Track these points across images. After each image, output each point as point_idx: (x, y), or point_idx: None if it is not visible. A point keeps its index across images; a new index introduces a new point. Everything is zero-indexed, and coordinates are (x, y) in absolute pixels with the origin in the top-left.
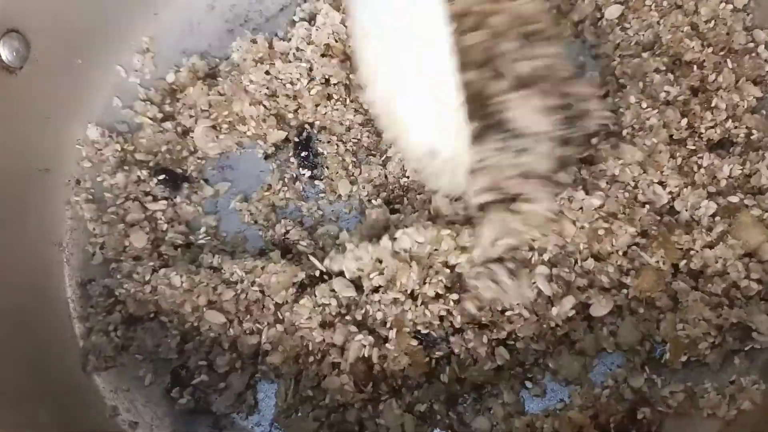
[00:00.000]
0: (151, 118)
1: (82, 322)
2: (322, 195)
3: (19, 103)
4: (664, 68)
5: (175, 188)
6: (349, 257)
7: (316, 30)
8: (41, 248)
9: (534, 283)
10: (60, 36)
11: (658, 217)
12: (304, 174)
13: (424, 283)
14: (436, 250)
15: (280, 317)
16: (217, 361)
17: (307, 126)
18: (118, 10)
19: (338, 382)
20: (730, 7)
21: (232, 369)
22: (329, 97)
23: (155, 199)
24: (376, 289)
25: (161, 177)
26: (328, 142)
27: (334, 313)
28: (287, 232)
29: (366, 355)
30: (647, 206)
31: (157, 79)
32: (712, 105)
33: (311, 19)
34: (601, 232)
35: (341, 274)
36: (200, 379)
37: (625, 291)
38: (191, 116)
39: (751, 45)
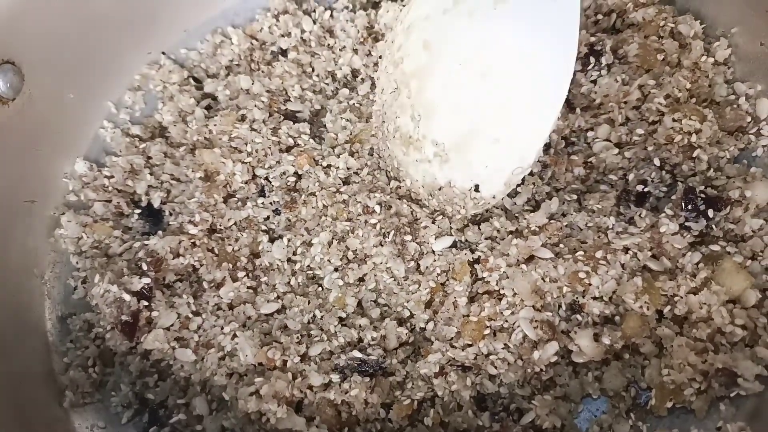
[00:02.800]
0: (139, 154)
1: (61, 357)
2: None
3: (10, 134)
4: None
5: (156, 223)
6: None
7: None
8: (23, 280)
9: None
10: (54, 70)
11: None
12: None
13: None
14: None
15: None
16: (193, 403)
17: None
18: (113, 48)
19: None
20: (711, 60)
21: (207, 411)
22: None
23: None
24: None
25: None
26: None
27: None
28: None
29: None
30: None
31: (147, 116)
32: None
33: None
34: (582, 275)
35: None
36: (178, 418)
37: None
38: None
39: (732, 97)
